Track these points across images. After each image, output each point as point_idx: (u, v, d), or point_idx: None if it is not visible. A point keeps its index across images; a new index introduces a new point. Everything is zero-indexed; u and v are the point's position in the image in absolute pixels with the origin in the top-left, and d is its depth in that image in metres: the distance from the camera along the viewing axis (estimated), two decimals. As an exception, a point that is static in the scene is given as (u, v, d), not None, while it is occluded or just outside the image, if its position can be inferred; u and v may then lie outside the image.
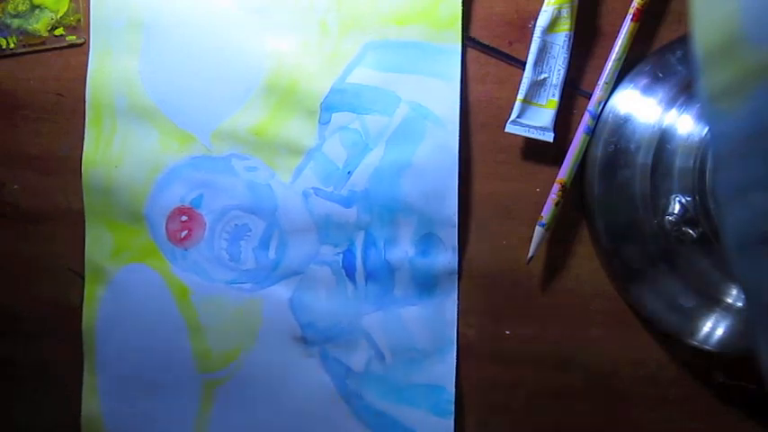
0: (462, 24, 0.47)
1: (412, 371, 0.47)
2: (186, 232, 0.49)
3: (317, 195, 0.48)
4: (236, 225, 0.48)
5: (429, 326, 0.47)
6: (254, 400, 0.48)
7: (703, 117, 0.23)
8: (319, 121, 0.48)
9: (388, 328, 0.47)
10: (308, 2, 0.48)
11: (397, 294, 0.47)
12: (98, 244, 0.49)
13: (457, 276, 0.47)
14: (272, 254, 0.48)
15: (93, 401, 0.49)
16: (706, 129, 0.41)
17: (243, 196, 0.48)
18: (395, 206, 0.47)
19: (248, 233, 0.48)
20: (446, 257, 0.47)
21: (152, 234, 0.49)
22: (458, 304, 0.47)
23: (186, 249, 0.49)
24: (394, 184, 0.47)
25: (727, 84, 0.22)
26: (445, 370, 0.47)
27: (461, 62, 0.47)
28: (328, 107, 0.48)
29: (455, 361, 0.47)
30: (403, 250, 0.47)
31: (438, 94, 0.47)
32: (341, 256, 0.48)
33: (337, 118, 0.48)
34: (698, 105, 0.43)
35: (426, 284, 0.47)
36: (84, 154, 0.49)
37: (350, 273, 0.48)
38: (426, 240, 0.47)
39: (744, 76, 0.21)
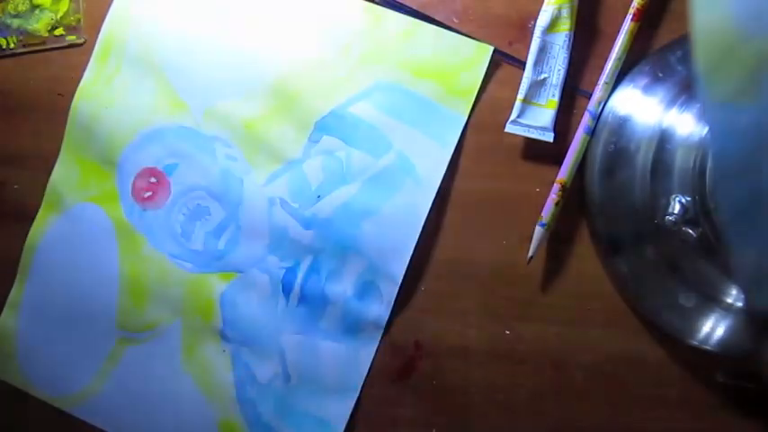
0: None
1: (310, 400, 0.47)
2: (150, 194, 0.49)
3: (281, 206, 0.48)
4: (198, 205, 0.49)
5: (340, 366, 0.47)
6: (158, 371, 0.49)
7: (709, 123, 0.23)
8: (309, 138, 0.48)
9: (303, 354, 0.47)
10: (341, 20, 0.48)
11: (322, 326, 0.48)
12: (65, 174, 0.50)
13: (382, 331, 0.47)
14: (221, 244, 0.48)
15: (12, 315, 0.50)
16: (706, 129, 0.41)
17: (214, 181, 0.49)
18: (349, 245, 0.47)
19: (207, 216, 0.49)
20: (379, 310, 0.47)
21: (118, 183, 0.49)
22: (374, 358, 0.47)
23: (144, 210, 0.49)
24: (356, 224, 0.47)
25: (734, 87, 0.22)
26: (340, 411, 0.47)
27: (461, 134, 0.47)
28: (322, 128, 0.48)
29: (352, 407, 0.47)
30: (342, 288, 0.47)
31: (428, 155, 0.47)
32: (283, 270, 0.48)
33: (327, 141, 0.48)
34: (698, 105, 0.43)
35: (352, 327, 0.47)
36: (81, 84, 0.50)
37: (286, 289, 0.48)
38: (367, 287, 0.47)
39: (750, 72, 0.21)
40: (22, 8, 0.50)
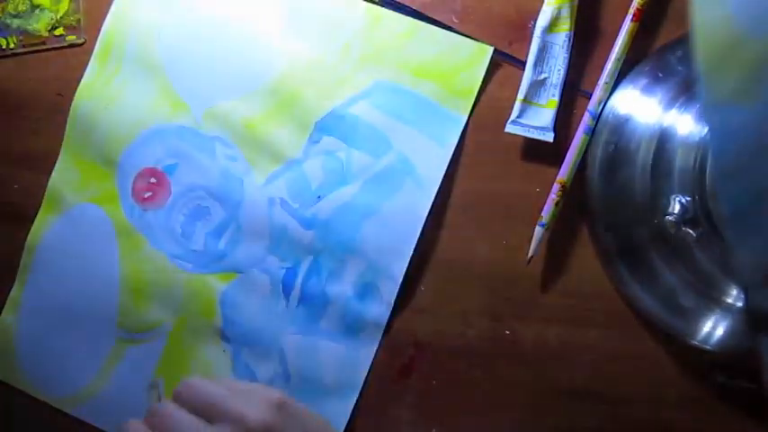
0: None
1: (310, 400, 0.47)
2: (150, 194, 0.49)
3: (281, 206, 0.48)
4: (198, 205, 0.49)
5: (341, 366, 0.47)
6: (159, 371, 0.49)
7: (709, 123, 0.23)
8: (309, 138, 0.48)
9: (303, 354, 0.47)
10: (340, 20, 0.48)
11: (323, 326, 0.48)
12: (65, 174, 0.50)
13: (383, 331, 0.47)
14: (222, 244, 0.49)
15: (12, 315, 0.50)
16: (706, 129, 0.41)
17: (214, 181, 0.49)
18: (349, 245, 0.47)
19: (207, 217, 0.49)
20: (379, 310, 0.47)
21: (118, 183, 0.49)
22: (374, 358, 0.47)
23: (145, 210, 0.49)
24: (356, 225, 0.47)
25: (733, 87, 0.22)
26: (341, 411, 0.47)
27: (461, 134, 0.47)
28: (322, 128, 0.48)
29: (352, 406, 0.47)
30: (343, 288, 0.47)
31: (428, 155, 0.47)
32: (283, 271, 0.48)
33: (327, 141, 0.48)
34: (698, 105, 0.43)
35: (352, 327, 0.47)
36: (81, 84, 0.50)
37: (286, 289, 0.48)
38: (367, 287, 0.47)
39: (750, 72, 0.21)
40: (22, 8, 0.50)
